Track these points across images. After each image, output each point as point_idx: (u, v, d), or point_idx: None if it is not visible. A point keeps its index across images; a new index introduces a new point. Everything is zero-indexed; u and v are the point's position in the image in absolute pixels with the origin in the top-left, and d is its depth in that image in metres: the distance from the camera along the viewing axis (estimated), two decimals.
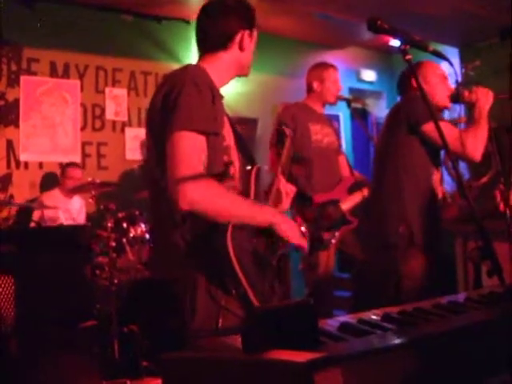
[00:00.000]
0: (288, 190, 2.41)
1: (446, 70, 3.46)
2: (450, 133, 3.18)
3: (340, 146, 4.90)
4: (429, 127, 3.21)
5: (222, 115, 2.16)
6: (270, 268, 2.17)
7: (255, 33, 2.31)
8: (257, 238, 2.12)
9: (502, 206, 3.87)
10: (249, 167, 2.25)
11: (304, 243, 2.16)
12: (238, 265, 1.92)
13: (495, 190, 3.90)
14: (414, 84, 3.50)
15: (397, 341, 1.19)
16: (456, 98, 3.39)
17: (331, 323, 1.41)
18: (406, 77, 3.58)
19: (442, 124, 3.12)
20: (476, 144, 3.17)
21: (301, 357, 0.99)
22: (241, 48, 2.26)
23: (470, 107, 3.34)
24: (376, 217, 3.54)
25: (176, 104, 1.98)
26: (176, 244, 2.03)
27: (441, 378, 1.19)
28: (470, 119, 3.35)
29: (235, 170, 2.16)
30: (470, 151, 3.16)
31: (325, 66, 4.81)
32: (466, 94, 3.32)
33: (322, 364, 0.97)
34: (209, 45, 2.30)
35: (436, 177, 3.52)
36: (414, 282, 3.28)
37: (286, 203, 2.41)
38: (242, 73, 2.36)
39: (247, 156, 2.30)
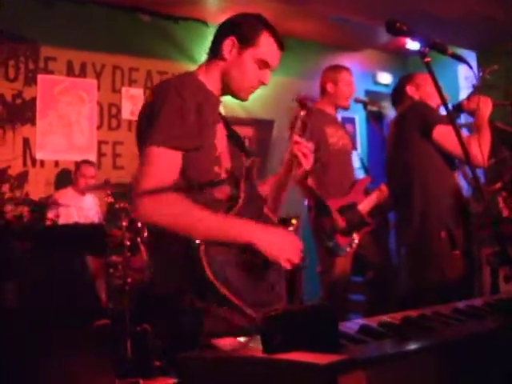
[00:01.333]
0: (304, 150, 2.31)
1: (465, 73, 3.50)
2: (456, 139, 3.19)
3: (354, 147, 4.88)
4: (438, 131, 3.30)
5: (213, 124, 2.13)
6: (268, 278, 2.07)
7: (250, 50, 2.16)
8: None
9: (506, 212, 3.88)
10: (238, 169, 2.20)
11: (294, 259, 2.06)
12: (212, 275, 1.88)
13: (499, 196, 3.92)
14: (409, 92, 3.59)
15: (419, 345, 1.18)
16: (457, 108, 3.47)
17: (350, 326, 1.40)
18: (401, 86, 3.68)
19: (449, 129, 3.15)
20: (480, 150, 3.20)
21: (323, 359, 0.98)
22: (224, 56, 2.19)
23: (472, 115, 3.43)
24: (411, 223, 3.55)
25: (156, 117, 1.97)
26: (162, 259, 2.12)
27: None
28: (472, 127, 3.44)
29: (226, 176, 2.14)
30: (475, 157, 3.18)
31: (339, 68, 4.79)
32: (465, 103, 3.41)
33: (346, 366, 0.96)
34: (209, 51, 2.30)
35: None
36: (455, 287, 3.30)
37: (307, 163, 2.32)
38: (234, 90, 2.23)
39: (242, 154, 2.29)
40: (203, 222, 1.94)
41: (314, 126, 4.39)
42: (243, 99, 2.26)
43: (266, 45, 2.17)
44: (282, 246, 2.05)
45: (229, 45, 2.18)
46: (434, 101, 3.59)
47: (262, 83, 2.23)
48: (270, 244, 2.01)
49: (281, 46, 2.22)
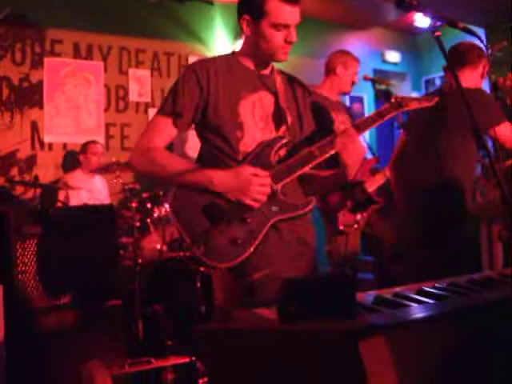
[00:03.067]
0: (347, 143, 2.31)
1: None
2: None
3: None
4: (500, 129, 3.22)
5: (239, 92, 2.34)
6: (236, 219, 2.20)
7: (264, 20, 2.27)
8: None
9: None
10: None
11: (259, 197, 2.20)
12: (175, 217, 2.21)
13: None
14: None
15: (436, 311, 1.17)
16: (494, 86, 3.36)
17: (365, 297, 1.39)
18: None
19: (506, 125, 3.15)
20: None
21: (342, 326, 0.97)
22: (247, 35, 2.36)
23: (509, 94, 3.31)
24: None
25: None
26: None
27: (478, 349, 1.18)
28: None
29: (245, 144, 2.32)
30: None
31: (351, 55, 4.74)
32: (501, 81, 3.28)
33: (366, 332, 0.95)
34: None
35: None
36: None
37: (346, 157, 2.33)
38: (267, 57, 2.38)
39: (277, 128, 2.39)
40: (174, 168, 2.28)
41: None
42: (281, 60, 2.37)
43: (275, 9, 2.25)
44: (244, 185, 2.20)
45: (245, 24, 2.33)
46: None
47: (290, 41, 2.31)
48: (230, 185, 2.21)
49: (291, 1, 2.27)
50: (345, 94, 4.74)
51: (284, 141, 2.34)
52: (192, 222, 2.18)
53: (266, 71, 2.45)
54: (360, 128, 2.34)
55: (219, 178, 2.21)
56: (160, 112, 2.37)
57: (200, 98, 2.31)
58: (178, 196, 2.25)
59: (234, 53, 2.47)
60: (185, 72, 2.37)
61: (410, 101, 2.42)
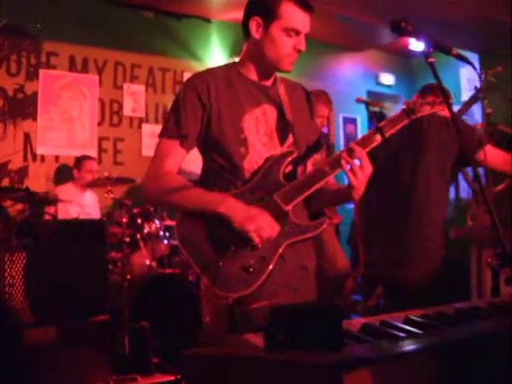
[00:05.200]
0: (354, 165, 2.11)
1: (467, 75, 3.43)
2: (502, 157, 3.20)
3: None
4: (481, 155, 3.16)
5: (241, 107, 2.22)
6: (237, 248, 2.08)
7: (275, 23, 2.15)
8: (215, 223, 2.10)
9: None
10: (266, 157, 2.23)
11: (264, 232, 2.04)
12: (182, 245, 2.12)
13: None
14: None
15: (423, 344, 1.17)
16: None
17: (352, 324, 1.39)
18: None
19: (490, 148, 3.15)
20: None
21: (327, 357, 0.97)
22: (254, 37, 2.21)
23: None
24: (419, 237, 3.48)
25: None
26: None
27: (466, 382, 1.17)
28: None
29: (249, 162, 2.20)
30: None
31: (323, 101, 4.64)
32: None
33: (351, 365, 0.95)
34: (244, 36, 2.31)
35: None
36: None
37: (353, 179, 2.10)
38: (272, 64, 2.23)
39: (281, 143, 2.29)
40: (183, 194, 2.16)
41: None
42: (286, 70, 2.26)
43: (288, 13, 2.15)
44: (253, 218, 2.06)
45: (254, 25, 2.20)
46: None
47: (299, 50, 2.20)
48: (238, 214, 2.06)
49: (305, 7, 2.17)
50: None
51: (293, 156, 2.22)
52: (199, 250, 2.08)
53: (269, 82, 2.33)
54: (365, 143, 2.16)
55: (229, 203, 2.08)
56: (164, 135, 2.24)
57: (203, 115, 2.20)
58: (183, 223, 2.15)
59: (234, 63, 2.34)
60: (184, 90, 2.24)
61: (422, 105, 2.23)
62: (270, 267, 2.07)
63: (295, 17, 2.16)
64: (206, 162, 2.30)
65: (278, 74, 2.36)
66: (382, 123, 2.19)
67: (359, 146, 2.12)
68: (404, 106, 2.25)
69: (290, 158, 2.20)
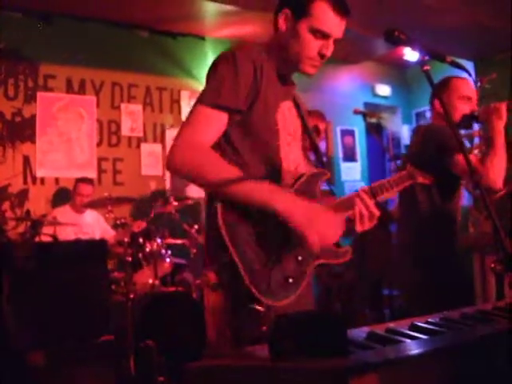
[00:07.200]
0: (364, 212, 2.06)
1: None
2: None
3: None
4: (455, 159, 3.06)
5: (273, 98, 2.08)
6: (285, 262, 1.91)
7: (305, 21, 2.05)
8: (263, 227, 1.89)
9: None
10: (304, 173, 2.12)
11: (326, 237, 1.87)
12: (228, 238, 1.84)
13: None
14: (436, 106, 3.40)
15: (429, 348, 1.16)
16: (469, 118, 3.27)
17: (357, 333, 1.38)
18: (432, 94, 3.46)
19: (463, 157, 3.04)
20: (495, 174, 2.96)
21: (333, 363, 0.96)
22: (281, 30, 2.12)
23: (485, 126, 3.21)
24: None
25: (207, 80, 2.04)
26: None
27: None
28: (486, 139, 3.23)
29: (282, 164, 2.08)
30: (491, 183, 3.01)
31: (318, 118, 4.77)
32: (478, 113, 3.21)
33: (357, 370, 0.94)
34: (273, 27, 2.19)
35: None
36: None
37: (358, 226, 2.06)
38: (293, 63, 2.13)
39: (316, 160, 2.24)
40: (229, 177, 1.87)
41: None
42: (307, 73, 2.14)
43: (320, 13, 2.04)
44: (313, 217, 1.86)
45: (283, 18, 2.10)
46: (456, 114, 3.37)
47: (324, 55, 2.09)
48: (297, 210, 1.85)
49: (339, 12, 2.06)
50: None
51: (327, 176, 2.16)
52: (247, 253, 1.85)
53: (290, 80, 2.24)
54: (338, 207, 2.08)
55: (288, 198, 1.88)
56: (210, 103, 1.96)
57: (252, 94, 2.00)
58: (228, 217, 1.87)
59: (261, 51, 2.16)
60: (241, 57, 2.00)
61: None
62: (304, 283, 1.95)
63: (326, 18, 2.05)
64: (229, 149, 2.05)
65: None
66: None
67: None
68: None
69: (324, 178, 2.14)
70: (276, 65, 2.15)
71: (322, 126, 4.71)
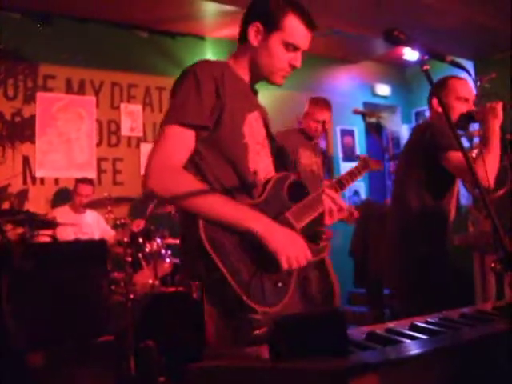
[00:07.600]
0: (333, 207, 2.18)
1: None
2: (462, 165, 3.08)
3: (325, 176, 4.94)
4: (448, 156, 3.08)
5: (241, 110, 2.09)
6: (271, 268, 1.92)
7: (276, 34, 2.10)
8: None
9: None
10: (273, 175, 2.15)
11: (295, 261, 1.91)
12: (212, 250, 1.83)
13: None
14: (435, 105, 3.40)
15: (430, 348, 1.16)
16: (466, 118, 3.28)
17: (357, 333, 1.38)
18: (430, 94, 3.46)
19: (457, 154, 3.05)
20: (487, 172, 3.01)
21: (333, 364, 0.96)
22: (251, 43, 2.14)
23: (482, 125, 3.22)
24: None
25: (171, 98, 2.04)
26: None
27: None
28: (482, 139, 3.22)
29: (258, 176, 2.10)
30: (482, 180, 3.01)
31: (320, 106, 4.83)
32: (475, 112, 3.22)
33: (357, 370, 0.94)
34: (238, 38, 2.24)
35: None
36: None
37: (328, 220, 2.18)
38: (264, 74, 2.18)
39: (279, 163, 2.26)
40: (207, 199, 1.90)
41: (291, 144, 4.45)
42: (277, 83, 2.20)
43: (291, 27, 2.10)
44: (287, 243, 1.91)
45: (254, 30, 2.13)
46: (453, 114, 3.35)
47: (294, 66, 2.15)
48: (273, 236, 1.89)
49: (309, 25, 2.14)
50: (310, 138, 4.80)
51: (295, 177, 2.19)
52: (233, 262, 1.86)
53: (254, 89, 2.28)
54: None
55: (264, 222, 1.92)
56: (176, 122, 1.95)
57: (216, 109, 2.00)
58: (208, 229, 1.86)
59: (229, 62, 2.20)
60: (201, 72, 2.00)
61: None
62: (293, 285, 2.00)
63: (298, 32, 2.12)
64: (202, 164, 2.04)
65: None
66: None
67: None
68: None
69: (290, 180, 2.16)
70: (242, 76, 2.18)
71: (319, 117, 4.73)
